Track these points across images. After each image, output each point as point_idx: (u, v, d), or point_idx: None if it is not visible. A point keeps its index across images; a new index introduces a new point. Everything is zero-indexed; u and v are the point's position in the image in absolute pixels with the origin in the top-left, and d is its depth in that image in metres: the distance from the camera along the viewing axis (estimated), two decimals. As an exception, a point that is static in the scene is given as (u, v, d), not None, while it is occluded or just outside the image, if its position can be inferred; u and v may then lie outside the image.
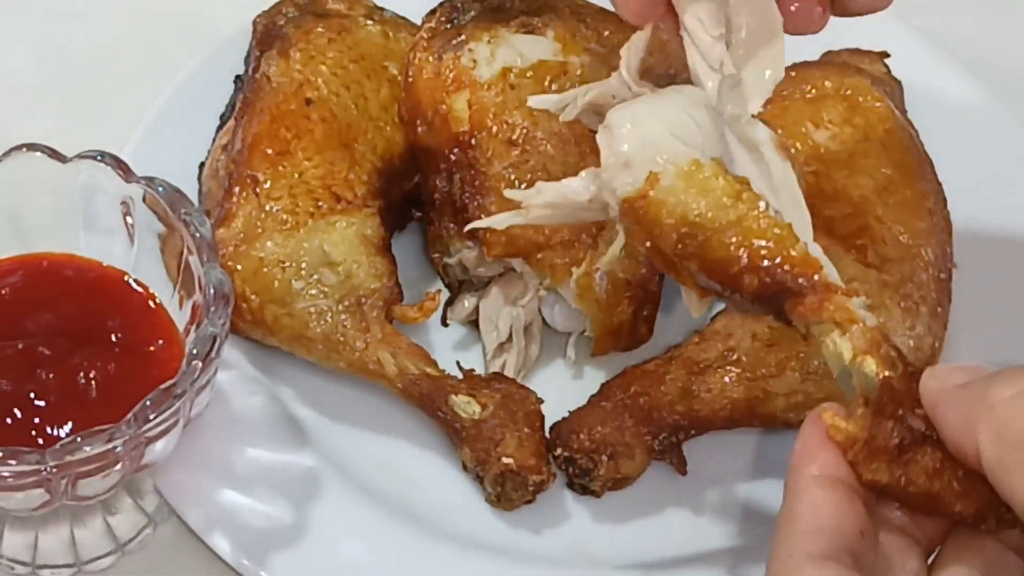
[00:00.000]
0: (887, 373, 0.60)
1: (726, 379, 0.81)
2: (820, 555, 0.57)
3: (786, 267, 0.62)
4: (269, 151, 0.84)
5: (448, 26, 0.87)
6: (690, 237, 0.63)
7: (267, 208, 0.82)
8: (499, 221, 0.71)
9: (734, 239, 0.63)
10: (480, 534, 0.80)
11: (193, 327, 0.73)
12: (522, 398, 0.81)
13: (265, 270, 0.81)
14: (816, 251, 0.64)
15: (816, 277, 0.62)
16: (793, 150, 0.86)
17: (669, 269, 0.66)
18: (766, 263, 0.62)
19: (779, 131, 0.68)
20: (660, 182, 0.63)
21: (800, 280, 0.62)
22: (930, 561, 0.61)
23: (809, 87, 0.89)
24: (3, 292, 0.76)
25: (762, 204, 0.63)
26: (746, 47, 0.68)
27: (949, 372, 0.59)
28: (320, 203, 0.83)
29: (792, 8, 0.69)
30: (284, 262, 0.81)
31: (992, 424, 0.55)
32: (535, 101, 0.72)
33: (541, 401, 0.81)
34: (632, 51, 0.69)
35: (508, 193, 0.71)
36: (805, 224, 0.66)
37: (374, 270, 0.82)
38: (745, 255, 0.62)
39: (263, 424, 0.82)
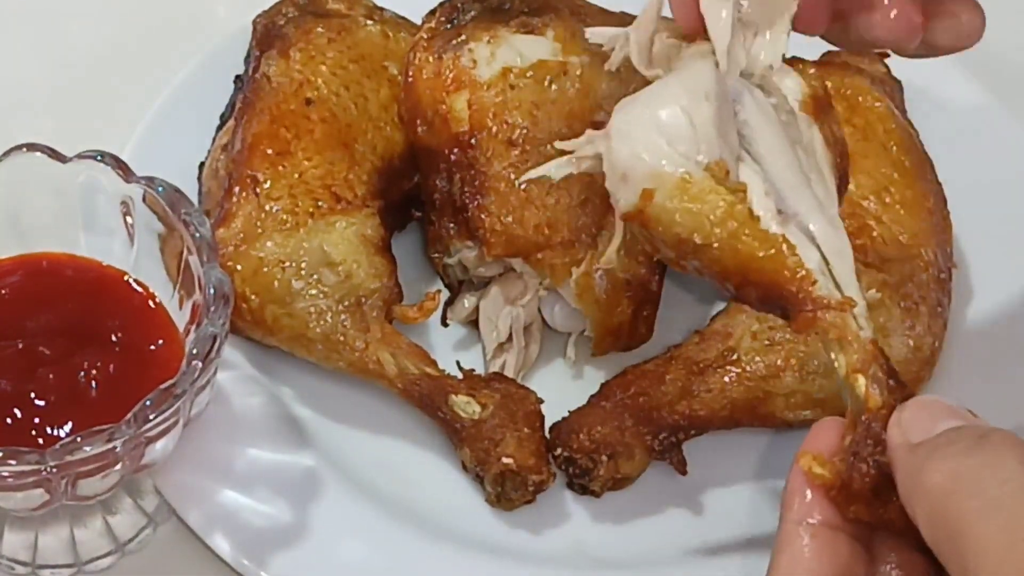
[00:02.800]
0: (870, 406, 0.61)
1: (726, 379, 0.81)
2: None
3: (779, 282, 0.63)
4: (269, 151, 0.84)
5: (448, 26, 0.87)
6: (687, 249, 0.64)
7: (267, 208, 0.82)
8: (549, 168, 0.69)
9: (728, 254, 0.63)
10: (480, 534, 0.80)
11: (193, 327, 0.73)
12: (522, 398, 0.81)
13: (265, 270, 0.81)
14: (824, 220, 0.64)
15: (810, 290, 0.62)
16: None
17: (677, 268, 0.66)
18: (762, 277, 0.63)
19: (811, 87, 0.67)
20: (654, 198, 0.63)
21: (794, 294, 0.63)
22: None
23: (809, 87, 0.89)
24: (3, 292, 0.76)
25: (760, 210, 0.63)
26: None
27: (912, 420, 0.59)
28: (320, 203, 0.83)
29: (891, 15, 0.66)
30: (284, 262, 0.81)
31: (925, 508, 0.55)
32: (592, 33, 0.71)
33: (541, 401, 0.81)
34: (641, 31, 0.68)
35: (559, 144, 0.69)
36: (832, 194, 0.66)
37: (374, 270, 0.82)
38: (741, 269, 0.63)
39: (263, 424, 0.82)
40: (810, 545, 0.60)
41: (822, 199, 0.65)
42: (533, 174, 0.69)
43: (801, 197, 0.64)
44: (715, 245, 0.63)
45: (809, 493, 0.61)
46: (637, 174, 0.63)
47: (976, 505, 0.53)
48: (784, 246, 0.63)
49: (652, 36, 0.67)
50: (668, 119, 0.63)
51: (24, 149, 0.76)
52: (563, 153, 0.68)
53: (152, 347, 0.74)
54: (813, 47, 0.94)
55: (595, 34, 0.70)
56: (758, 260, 0.62)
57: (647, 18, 0.68)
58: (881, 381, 0.61)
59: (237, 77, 0.93)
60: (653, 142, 0.63)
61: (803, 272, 0.63)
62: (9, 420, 0.70)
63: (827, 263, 0.64)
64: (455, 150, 0.85)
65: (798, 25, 0.64)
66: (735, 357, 0.81)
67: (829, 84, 0.89)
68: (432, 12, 0.89)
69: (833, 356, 0.63)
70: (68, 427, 0.70)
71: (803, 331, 0.63)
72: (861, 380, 0.61)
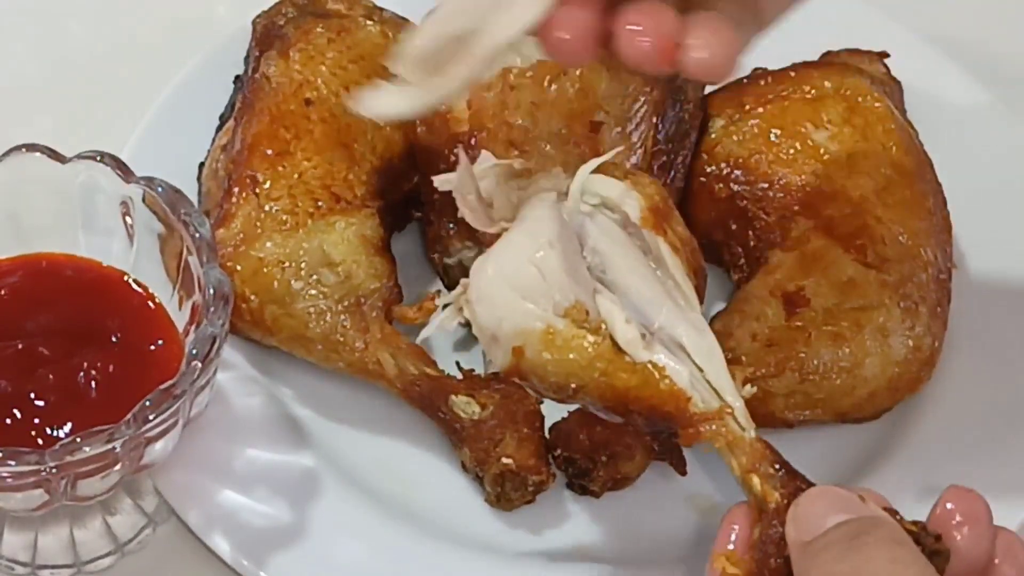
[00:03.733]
0: (768, 503, 0.65)
1: (726, 379, 0.81)
2: None
3: (657, 406, 0.67)
4: (269, 151, 0.84)
5: (448, 26, 0.87)
6: (567, 393, 0.68)
7: (266, 208, 0.82)
8: (435, 324, 0.74)
9: (605, 391, 0.67)
10: (480, 534, 0.80)
11: (193, 327, 0.73)
12: (521, 398, 0.81)
13: (265, 270, 0.81)
14: (689, 326, 0.68)
15: (687, 407, 0.67)
16: (793, 151, 0.87)
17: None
18: (639, 406, 0.67)
19: (647, 198, 0.70)
20: (524, 354, 0.67)
21: (673, 415, 0.67)
22: None
23: (809, 87, 0.89)
24: (3, 292, 0.76)
25: (625, 340, 0.67)
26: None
27: (804, 516, 0.62)
28: (319, 203, 0.83)
29: (643, 41, 0.62)
30: (283, 262, 0.81)
31: None
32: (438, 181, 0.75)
33: (540, 401, 0.81)
34: (464, 199, 0.71)
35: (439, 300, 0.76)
36: (691, 297, 0.69)
37: (374, 270, 0.82)
38: (620, 401, 0.67)
39: (263, 424, 0.82)
40: None
41: (683, 304, 0.69)
42: (426, 332, 0.74)
43: (662, 309, 0.68)
44: (590, 387, 0.67)
45: None
46: (503, 334, 0.67)
47: None
48: (654, 372, 0.67)
49: (479, 195, 0.70)
50: (520, 275, 0.67)
51: (24, 149, 0.76)
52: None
53: (152, 347, 0.74)
54: (813, 47, 0.95)
55: (440, 181, 0.74)
56: (633, 391, 0.67)
57: (462, 184, 0.71)
58: (773, 476, 0.66)
59: (237, 77, 0.93)
60: (511, 301, 0.67)
61: (676, 391, 0.67)
62: (9, 420, 0.70)
63: (700, 369, 0.68)
64: (455, 150, 0.85)
65: (560, 57, 0.62)
66: (735, 357, 0.81)
67: (829, 84, 0.89)
68: (432, 12, 0.89)
69: (726, 461, 0.67)
70: (68, 427, 0.70)
71: (689, 445, 0.68)
72: (755, 479, 0.66)
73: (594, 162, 0.71)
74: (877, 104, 0.89)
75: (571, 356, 0.67)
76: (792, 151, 0.87)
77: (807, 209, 0.85)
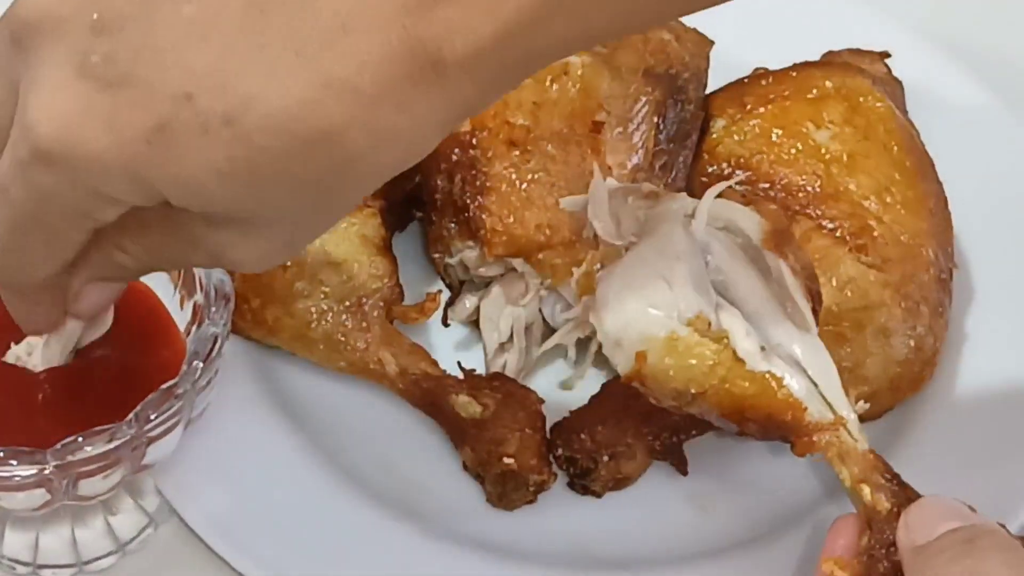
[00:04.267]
0: (879, 511, 0.67)
1: (728, 379, 0.81)
2: None
3: (773, 415, 0.69)
4: (270, 151, 0.84)
5: (449, 26, 0.87)
6: (685, 399, 0.70)
7: (268, 208, 0.82)
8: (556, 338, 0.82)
9: (723, 399, 0.69)
10: (480, 534, 0.80)
11: (194, 327, 0.73)
12: (523, 398, 0.81)
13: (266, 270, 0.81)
14: (808, 354, 0.70)
15: (802, 417, 0.69)
16: (794, 151, 0.87)
17: (681, 413, 0.72)
18: (755, 415, 0.69)
19: (771, 222, 0.73)
20: (647, 359, 0.69)
21: (789, 423, 0.69)
22: None
23: (810, 87, 0.89)
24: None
25: (744, 351, 0.69)
26: None
27: (916, 522, 0.64)
28: (321, 203, 0.83)
29: None
30: (285, 262, 0.81)
31: None
32: (565, 203, 0.78)
33: (542, 401, 0.81)
34: (599, 216, 0.74)
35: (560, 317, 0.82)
36: (808, 319, 0.71)
37: (375, 270, 0.82)
38: (737, 409, 0.69)
39: (264, 424, 0.82)
40: None
41: (800, 324, 0.71)
42: (547, 344, 0.82)
43: (780, 327, 0.71)
44: (709, 393, 0.69)
45: None
46: (628, 340, 0.69)
47: None
48: (772, 381, 0.69)
49: (612, 212, 0.72)
50: (647, 286, 0.70)
51: (25, 149, 0.76)
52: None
53: (153, 347, 0.74)
54: (814, 47, 0.95)
55: (569, 203, 0.77)
56: (751, 399, 0.69)
57: (598, 200, 0.74)
58: (884, 487, 0.68)
59: (238, 77, 0.93)
60: (638, 309, 0.70)
61: (792, 401, 0.69)
62: (9, 420, 0.70)
63: (815, 384, 0.70)
64: (456, 150, 0.85)
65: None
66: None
67: (830, 84, 0.89)
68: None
69: (837, 471, 0.69)
70: (68, 427, 0.70)
71: (803, 455, 0.69)
72: (866, 489, 0.68)
73: (720, 186, 0.74)
74: (878, 104, 0.89)
75: (692, 362, 0.69)
76: (793, 151, 0.87)
77: (808, 209, 0.85)
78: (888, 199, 0.85)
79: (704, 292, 0.70)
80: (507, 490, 0.79)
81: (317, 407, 0.84)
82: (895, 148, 0.87)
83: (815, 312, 0.72)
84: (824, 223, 0.84)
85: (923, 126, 0.91)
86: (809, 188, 0.85)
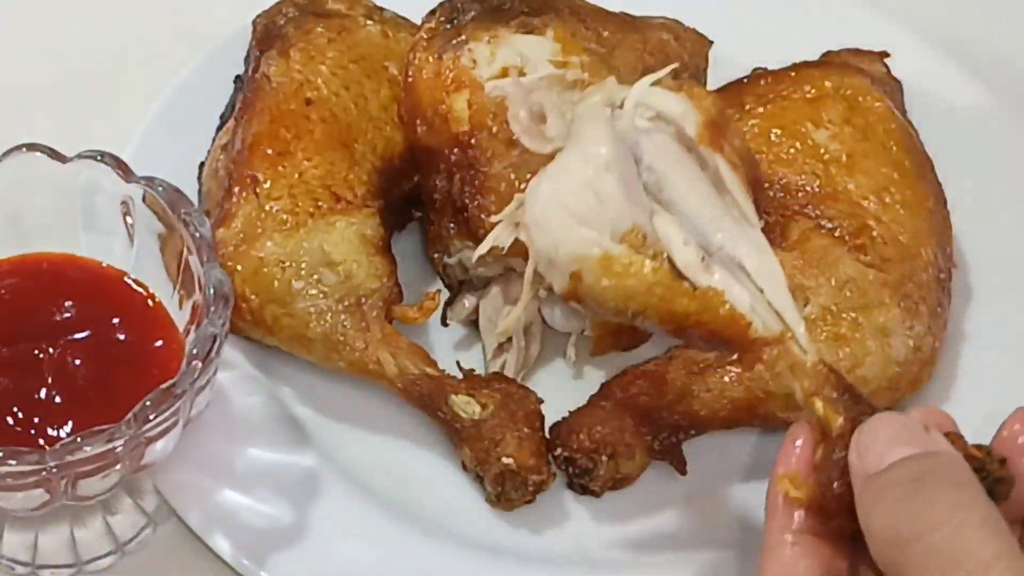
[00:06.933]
0: (832, 427, 0.64)
1: (726, 379, 0.81)
2: None
3: (716, 331, 0.66)
4: (269, 151, 0.84)
5: (448, 26, 0.87)
6: (626, 316, 0.67)
7: (267, 208, 0.82)
8: (491, 240, 0.75)
9: (664, 315, 0.66)
10: (480, 534, 0.80)
11: (193, 327, 0.73)
12: (522, 398, 0.81)
13: (265, 270, 0.81)
14: (749, 245, 0.67)
15: (747, 333, 0.66)
16: (793, 150, 0.87)
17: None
18: (698, 330, 0.66)
19: (704, 112, 0.70)
20: (582, 279, 0.66)
21: (732, 339, 0.66)
22: None
23: (809, 87, 0.89)
24: (2, 293, 0.76)
25: (683, 263, 0.66)
26: None
27: (867, 446, 0.62)
28: (320, 203, 0.83)
29: None
30: (284, 262, 0.81)
31: (873, 549, 0.59)
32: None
33: (541, 401, 0.81)
34: (518, 111, 0.72)
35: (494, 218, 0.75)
36: (750, 215, 0.69)
37: (374, 270, 0.82)
38: (680, 325, 0.67)
39: (263, 424, 0.82)
40: (794, 552, 0.64)
41: (741, 222, 0.68)
42: (482, 248, 0.75)
43: (721, 228, 0.68)
44: (649, 311, 0.66)
45: (777, 508, 0.65)
46: (560, 260, 0.67)
47: (913, 553, 0.57)
48: (713, 296, 0.66)
49: (530, 111, 0.69)
50: (576, 200, 0.67)
51: (24, 149, 0.76)
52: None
53: (152, 347, 0.74)
54: (813, 47, 0.95)
55: (492, 87, 0.76)
56: (693, 316, 0.66)
57: (514, 95, 0.70)
58: (836, 401, 0.65)
59: (237, 77, 0.93)
60: (567, 226, 0.66)
61: (736, 316, 0.66)
62: (10, 420, 0.70)
63: (761, 290, 0.67)
64: (455, 150, 0.85)
65: None
66: (735, 357, 0.81)
67: (829, 84, 0.89)
68: (432, 12, 0.89)
69: (788, 385, 0.66)
70: (68, 427, 0.70)
71: (749, 369, 0.68)
72: (818, 403, 0.65)
73: (651, 76, 0.70)
74: (877, 104, 0.89)
75: (629, 282, 0.66)
76: (792, 151, 0.87)
77: (807, 209, 0.85)
78: (887, 199, 0.85)
79: (637, 200, 0.67)
80: (506, 490, 0.79)
81: (316, 407, 0.84)
82: (894, 148, 0.87)
83: (756, 203, 0.69)
84: (823, 223, 0.84)
85: (922, 126, 0.91)
86: (808, 188, 0.85)
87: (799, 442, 0.66)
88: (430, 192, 0.87)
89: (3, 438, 0.69)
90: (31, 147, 0.76)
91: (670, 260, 0.66)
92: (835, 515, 0.63)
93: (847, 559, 0.64)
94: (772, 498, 0.66)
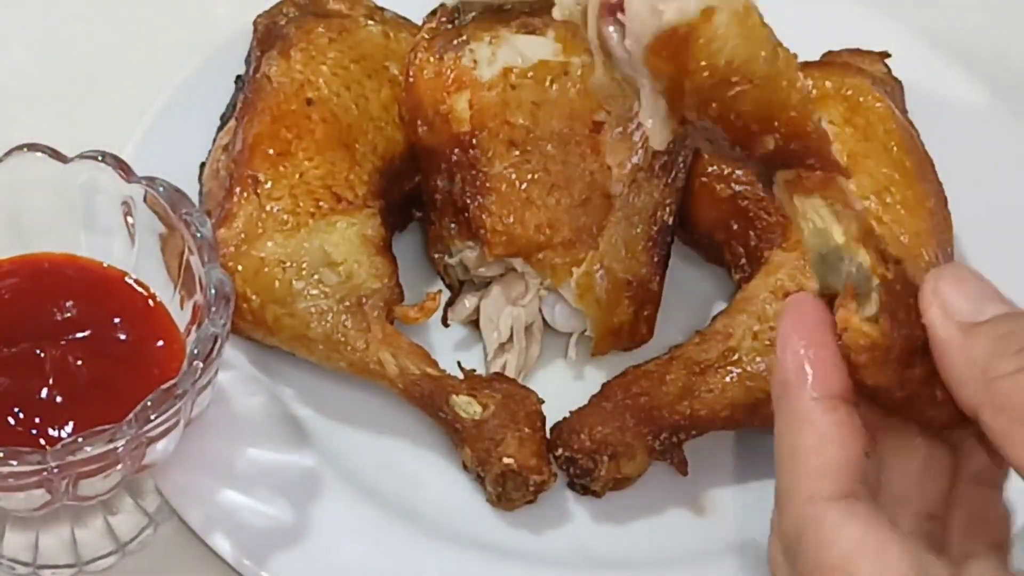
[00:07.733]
0: (884, 272, 0.58)
1: (727, 379, 0.81)
2: (840, 495, 0.55)
3: (801, 136, 0.60)
4: (270, 151, 0.84)
5: (449, 26, 0.87)
6: (723, 85, 0.59)
7: (268, 208, 0.82)
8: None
9: (763, 96, 0.59)
10: (480, 534, 0.80)
11: (194, 327, 0.73)
12: (523, 398, 0.81)
13: (266, 270, 0.81)
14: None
15: (829, 150, 0.60)
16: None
17: (676, 110, 0.61)
18: (788, 128, 0.60)
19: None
20: (714, 18, 0.58)
21: (814, 151, 0.60)
22: None
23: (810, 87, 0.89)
24: (3, 293, 0.76)
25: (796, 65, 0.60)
26: None
27: (954, 297, 0.57)
28: (321, 203, 0.83)
29: None
30: (285, 262, 0.81)
31: (992, 398, 0.54)
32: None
33: (542, 401, 0.81)
34: None
35: None
36: None
37: (375, 270, 0.82)
38: (771, 115, 0.60)
39: (263, 424, 0.82)
40: (834, 424, 0.56)
41: None
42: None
43: None
44: (755, 83, 0.59)
45: (810, 370, 0.57)
46: None
47: None
48: (811, 102, 0.60)
49: None
50: None
51: (24, 149, 0.76)
52: None
53: (153, 347, 0.74)
54: (814, 47, 0.95)
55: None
56: (788, 109, 0.59)
57: None
58: (883, 251, 0.59)
59: (238, 77, 0.93)
60: None
61: (824, 131, 0.60)
62: (10, 420, 0.70)
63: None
64: (456, 150, 0.85)
65: None
66: (736, 357, 0.81)
67: (830, 84, 0.89)
68: (433, 12, 0.89)
69: (827, 222, 0.60)
70: (69, 427, 0.70)
71: (817, 189, 0.60)
72: (863, 251, 0.59)
73: None
74: (878, 104, 0.88)
75: (755, 44, 0.58)
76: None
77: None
78: (888, 199, 0.85)
79: None
80: (507, 490, 0.79)
81: (317, 407, 0.84)
82: (895, 148, 0.87)
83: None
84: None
85: (923, 126, 0.91)
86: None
87: (810, 310, 0.59)
88: (431, 192, 0.87)
89: (4, 438, 0.69)
90: (32, 147, 0.76)
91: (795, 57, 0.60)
92: (896, 361, 0.57)
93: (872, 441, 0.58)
94: (790, 364, 0.57)
